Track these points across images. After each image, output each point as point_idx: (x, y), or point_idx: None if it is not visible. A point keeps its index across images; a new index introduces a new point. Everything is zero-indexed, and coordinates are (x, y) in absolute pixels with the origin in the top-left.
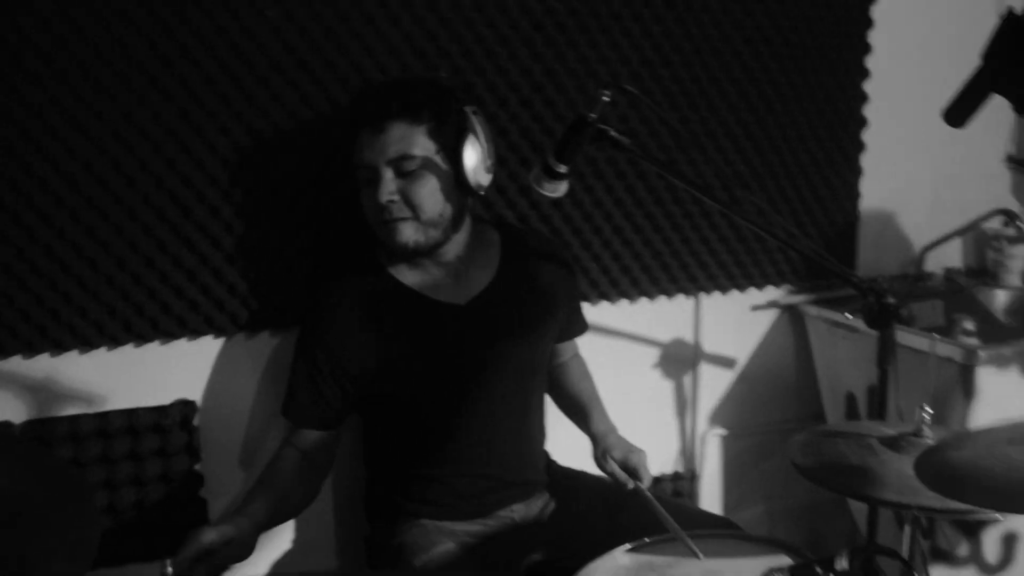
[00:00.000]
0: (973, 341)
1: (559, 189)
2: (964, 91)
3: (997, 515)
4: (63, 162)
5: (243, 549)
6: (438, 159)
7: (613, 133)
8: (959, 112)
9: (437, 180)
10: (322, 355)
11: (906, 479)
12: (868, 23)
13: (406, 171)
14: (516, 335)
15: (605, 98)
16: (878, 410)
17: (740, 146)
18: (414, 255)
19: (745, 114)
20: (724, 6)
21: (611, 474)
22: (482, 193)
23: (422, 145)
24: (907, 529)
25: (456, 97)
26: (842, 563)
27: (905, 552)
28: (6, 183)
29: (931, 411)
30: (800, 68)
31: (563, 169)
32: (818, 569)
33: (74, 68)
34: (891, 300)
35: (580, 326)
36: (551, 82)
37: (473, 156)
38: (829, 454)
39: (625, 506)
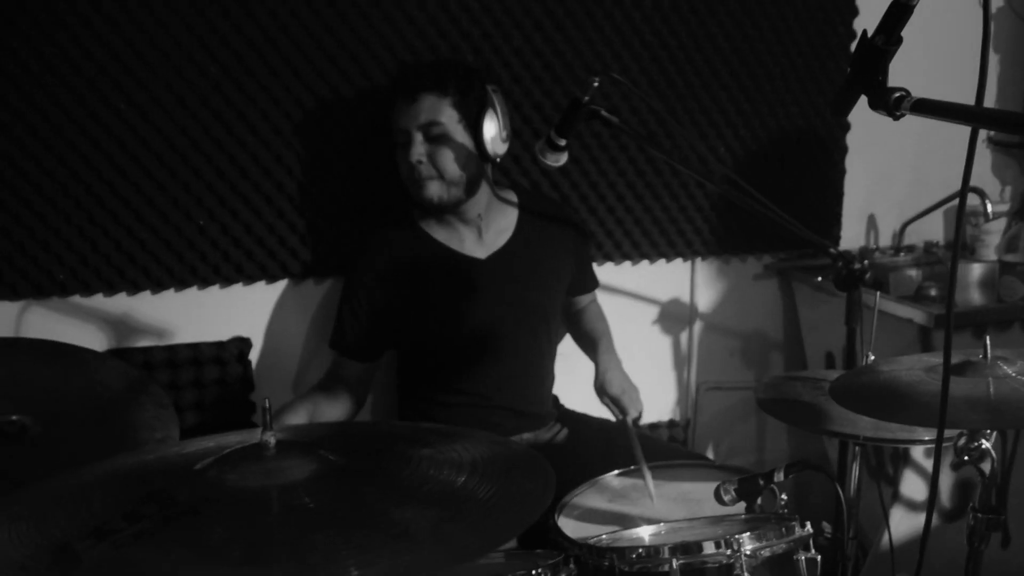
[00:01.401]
0: (934, 306)
1: (560, 159)
2: (843, 88)
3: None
4: (140, 128)
5: None
6: (461, 127)
7: (603, 112)
8: (839, 105)
9: (460, 146)
10: (365, 296)
11: (848, 415)
12: (854, 10)
13: (433, 135)
14: (530, 287)
15: (595, 83)
16: (848, 363)
17: (732, 122)
18: (439, 210)
19: (736, 94)
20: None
21: (605, 404)
22: (498, 160)
23: (448, 114)
24: (853, 451)
25: (479, 76)
26: (779, 476)
27: (854, 478)
28: (90, 144)
29: (873, 356)
30: (787, 50)
31: (562, 142)
32: (760, 480)
33: (143, 32)
34: (857, 266)
35: (592, 282)
36: (560, 62)
37: (491, 127)
38: (787, 392)
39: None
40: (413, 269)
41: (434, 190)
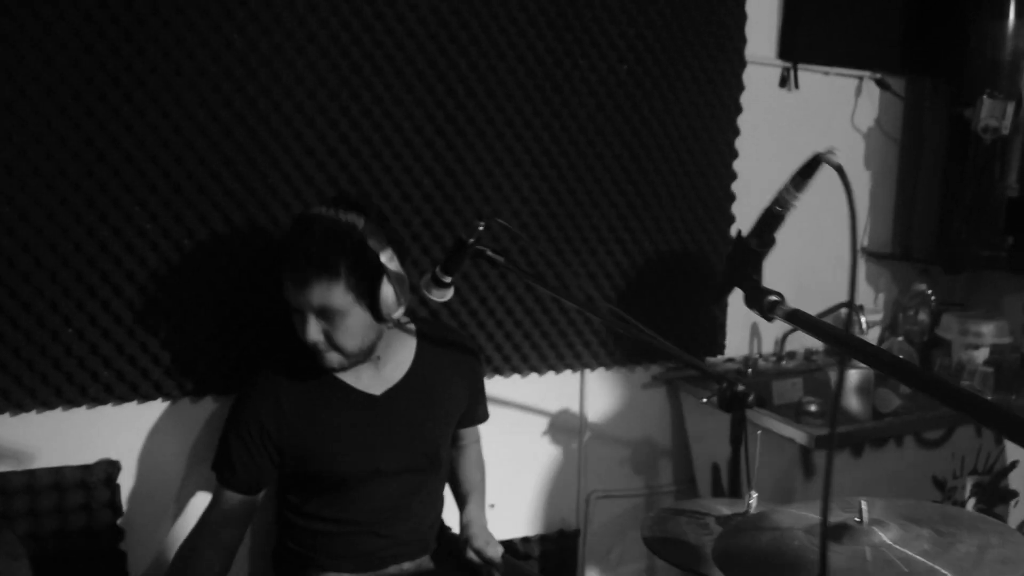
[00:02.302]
0: (816, 423)
1: (446, 295)
2: (719, 281)
3: None
4: (2, 240)
5: None
6: (356, 307)
7: (489, 253)
8: (716, 294)
9: (357, 322)
10: (255, 428)
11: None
12: (735, 131)
13: (328, 316)
14: (424, 421)
15: (480, 227)
16: (732, 485)
17: (620, 239)
18: (340, 371)
19: (624, 210)
20: (606, 115)
21: (470, 557)
22: (396, 318)
23: (340, 296)
24: None
25: (371, 248)
26: None
27: None
28: None
29: (756, 494)
30: (672, 168)
31: (448, 280)
32: None
33: (16, 146)
34: (740, 388)
35: (482, 414)
36: (449, 179)
37: (388, 297)
38: (672, 531)
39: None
40: (308, 403)
41: (334, 360)
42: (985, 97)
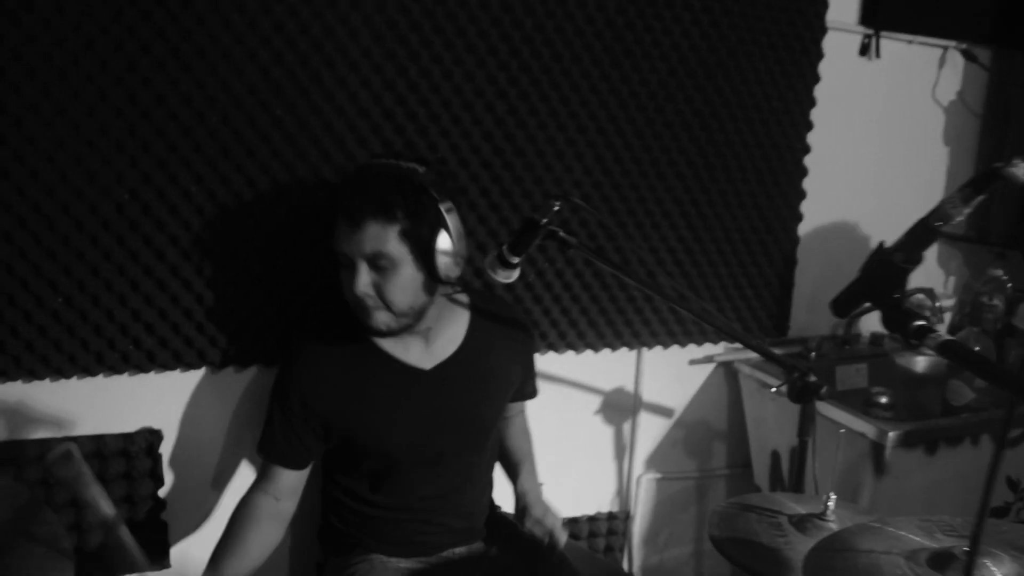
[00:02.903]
0: (886, 416)
1: (512, 276)
2: (849, 292)
3: None
4: (43, 203)
5: None
6: (411, 257)
7: (562, 234)
8: (842, 306)
9: (409, 277)
10: (298, 402)
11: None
12: (811, 101)
13: (380, 265)
14: (474, 400)
15: (556, 208)
16: (795, 478)
17: (686, 214)
18: (388, 335)
19: (692, 186)
20: (669, 94)
21: (528, 532)
22: (452, 282)
23: (394, 244)
24: None
25: (431, 195)
26: None
27: None
28: None
29: (835, 496)
30: (744, 142)
31: (515, 260)
32: None
33: (51, 111)
34: (813, 379)
35: (532, 390)
36: (509, 145)
37: (445, 253)
38: (743, 530)
39: (548, 559)
40: (353, 376)
41: (381, 320)
42: None
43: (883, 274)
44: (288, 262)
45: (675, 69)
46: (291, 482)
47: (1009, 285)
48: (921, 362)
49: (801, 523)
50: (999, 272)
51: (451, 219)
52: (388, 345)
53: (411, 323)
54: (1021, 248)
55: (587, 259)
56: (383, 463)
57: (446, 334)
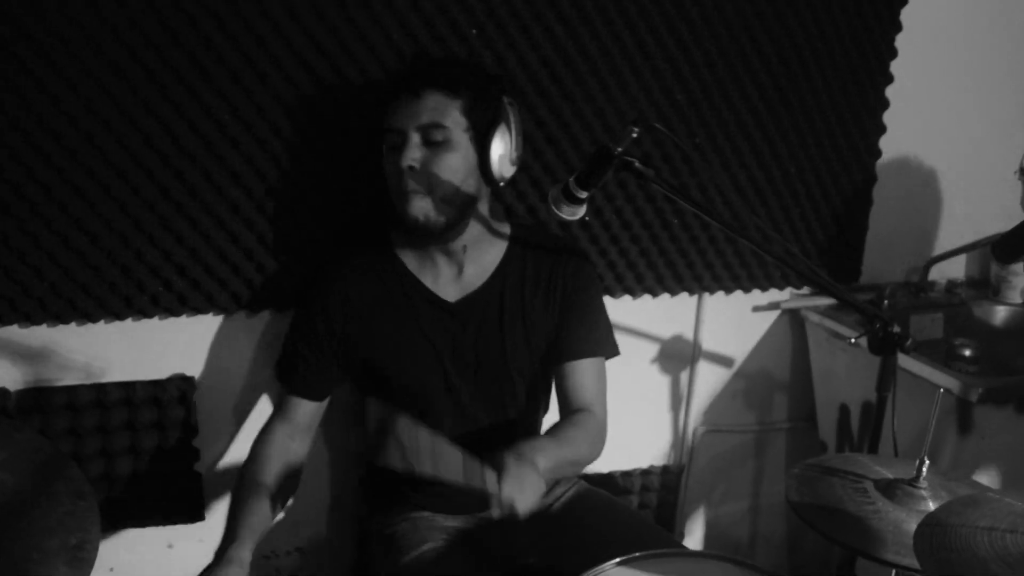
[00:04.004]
0: (971, 371)
1: (577, 213)
2: (1014, 232)
3: None
4: (67, 137)
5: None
6: (466, 138)
7: (638, 165)
8: (1007, 250)
9: (461, 158)
10: (322, 324)
11: (903, 536)
12: (897, 27)
13: (433, 140)
14: (498, 342)
15: (633, 134)
16: (872, 436)
17: (757, 148)
18: (424, 231)
19: (765, 117)
20: (744, 22)
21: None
22: (501, 184)
23: (454, 119)
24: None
25: (497, 83)
26: None
27: None
28: (9, 156)
29: (929, 460)
30: (823, 72)
31: (583, 195)
32: None
33: (83, 44)
34: (896, 329)
35: (599, 345)
36: (571, 74)
37: (502, 144)
38: (825, 495)
39: (615, 518)
40: (379, 300)
41: (420, 207)
42: None
43: None
44: (329, 207)
45: None
46: (307, 417)
47: None
48: (1001, 312)
49: (889, 489)
50: None
51: (512, 113)
52: (417, 268)
53: (451, 219)
54: None
55: (647, 196)
56: (409, 399)
57: (479, 261)
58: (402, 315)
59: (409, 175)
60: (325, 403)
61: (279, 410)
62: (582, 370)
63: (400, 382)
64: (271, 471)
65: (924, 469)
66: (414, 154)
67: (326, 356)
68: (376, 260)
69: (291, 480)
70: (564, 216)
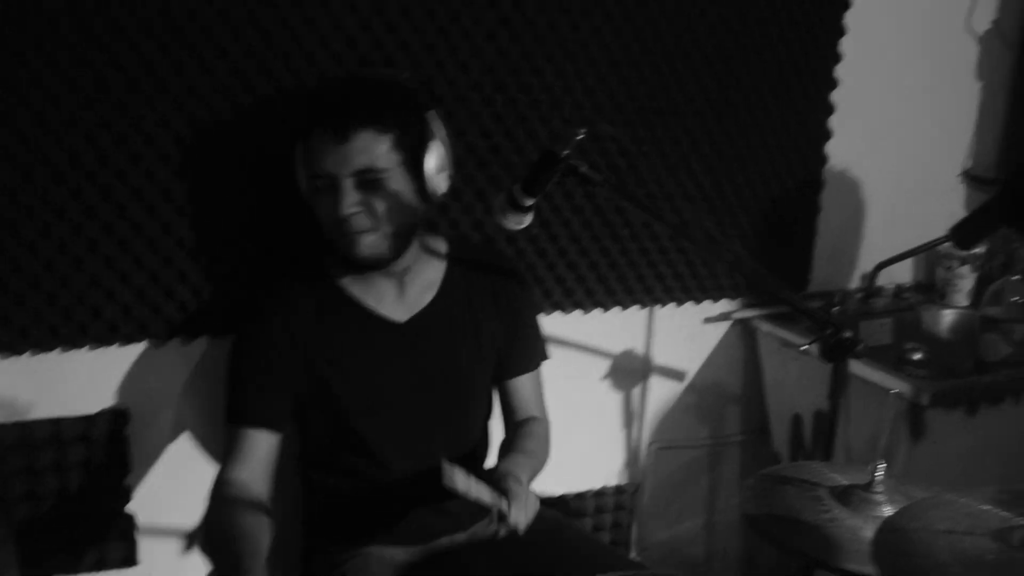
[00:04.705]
0: (921, 375)
1: (523, 221)
2: (973, 216)
3: None
4: None
5: None
6: (401, 170)
7: (584, 170)
8: (966, 235)
9: (400, 191)
10: (266, 352)
11: (861, 543)
12: (840, 31)
13: (368, 181)
14: (453, 357)
15: (580, 136)
16: (825, 444)
17: (703, 155)
18: (375, 265)
19: (711, 124)
20: (689, 24)
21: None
22: (437, 200)
23: (387, 157)
24: None
25: (419, 101)
26: None
27: None
28: None
29: (884, 464)
30: (768, 76)
31: (529, 202)
32: None
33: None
34: (848, 335)
35: (540, 356)
36: (515, 81)
37: (435, 164)
38: (780, 507)
39: (566, 540)
40: (322, 330)
41: (369, 244)
42: None
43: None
44: (257, 217)
45: None
46: (268, 451)
47: None
48: (948, 316)
49: (845, 496)
50: None
51: (438, 128)
52: (359, 292)
53: (399, 249)
54: None
55: (595, 207)
56: (358, 427)
57: (420, 280)
58: (351, 340)
59: (352, 220)
60: (279, 439)
61: (234, 453)
62: (525, 383)
63: (356, 407)
64: (248, 523)
65: (879, 474)
66: (351, 200)
67: (279, 382)
68: (312, 289)
69: (266, 531)
70: (511, 226)
